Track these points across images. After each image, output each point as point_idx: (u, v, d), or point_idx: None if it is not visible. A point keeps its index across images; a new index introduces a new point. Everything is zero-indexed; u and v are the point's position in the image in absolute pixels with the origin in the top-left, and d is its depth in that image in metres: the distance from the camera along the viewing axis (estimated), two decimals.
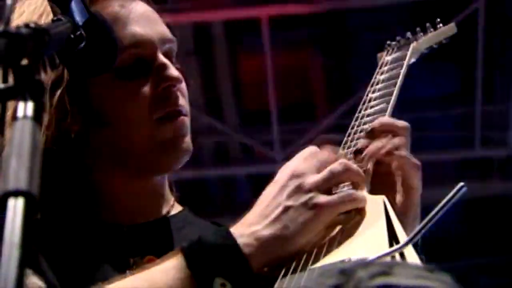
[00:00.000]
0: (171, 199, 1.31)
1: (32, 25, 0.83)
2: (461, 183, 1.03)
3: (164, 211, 1.29)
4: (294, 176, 1.11)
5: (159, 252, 1.20)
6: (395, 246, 1.02)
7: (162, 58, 1.24)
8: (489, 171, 5.06)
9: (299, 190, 1.10)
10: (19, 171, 0.73)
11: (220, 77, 4.78)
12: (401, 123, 1.27)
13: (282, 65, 4.70)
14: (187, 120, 1.26)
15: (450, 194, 1.03)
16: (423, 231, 1.03)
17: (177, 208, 1.31)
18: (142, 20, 1.25)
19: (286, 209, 1.09)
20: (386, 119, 1.29)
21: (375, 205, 1.15)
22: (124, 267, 1.18)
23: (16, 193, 0.72)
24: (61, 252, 1.18)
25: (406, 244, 1.02)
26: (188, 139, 1.25)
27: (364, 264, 0.80)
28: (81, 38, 1.01)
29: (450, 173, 5.10)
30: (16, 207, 0.71)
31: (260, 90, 4.67)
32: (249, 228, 1.08)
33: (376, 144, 1.24)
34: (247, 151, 5.03)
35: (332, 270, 0.80)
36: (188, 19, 4.37)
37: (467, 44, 4.40)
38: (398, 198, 1.24)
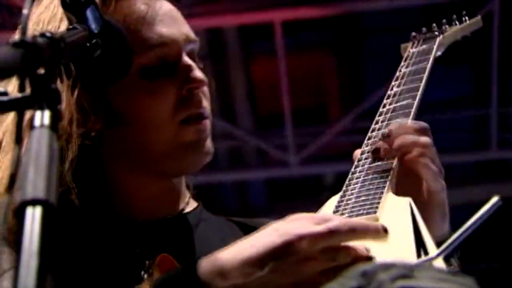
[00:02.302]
0: (187, 196, 1.31)
1: (48, 34, 0.83)
2: (496, 197, 1.01)
3: (180, 208, 1.28)
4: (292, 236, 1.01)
5: (173, 249, 1.20)
6: (425, 258, 1.01)
7: (187, 59, 1.24)
8: (506, 173, 5.03)
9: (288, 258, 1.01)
10: (36, 180, 0.73)
11: (234, 81, 4.78)
12: (420, 126, 1.25)
13: (296, 68, 4.69)
14: (209, 123, 1.25)
15: (485, 208, 1.01)
16: (455, 244, 1.00)
17: (192, 205, 1.31)
18: (167, 20, 1.23)
19: (271, 272, 1.02)
20: (405, 127, 1.25)
21: (401, 208, 1.14)
22: (139, 268, 1.18)
23: (33, 202, 0.72)
24: (75, 249, 1.18)
25: (437, 256, 1.01)
26: (209, 142, 1.25)
27: (385, 266, 0.79)
28: (97, 46, 1.02)
29: (467, 175, 5.07)
30: (34, 216, 0.72)
31: (274, 94, 4.67)
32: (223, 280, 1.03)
33: (400, 142, 1.23)
34: (261, 155, 5.03)
35: (354, 272, 0.79)
36: (202, 24, 4.38)
37: (481, 45, 4.38)
38: (422, 198, 1.22)
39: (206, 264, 1.05)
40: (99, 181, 1.24)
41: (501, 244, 5.27)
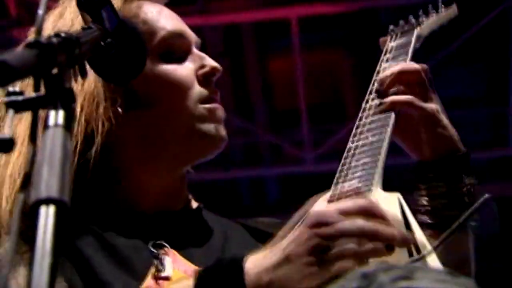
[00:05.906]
0: (188, 195, 1.33)
1: (62, 34, 0.84)
2: (487, 195, 1.03)
3: (184, 204, 1.31)
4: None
5: (181, 241, 1.23)
6: (418, 256, 1.02)
7: (197, 51, 1.31)
8: None
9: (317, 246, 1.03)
10: (50, 179, 0.74)
11: (250, 78, 4.78)
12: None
13: (312, 65, 4.69)
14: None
15: (475, 205, 1.02)
16: (447, 240, 1.02)
17: (194, 204, 1.34)
18: (177, 19, 1.33)
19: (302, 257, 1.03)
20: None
21: (391, 204, 1.14)
22: (150, 257, 1.19)
23: (47, 201, 0.73)
24: (82, 240, 1.19)
25: (428, 254, 1.01)
26: (223, 129, 1.28)
27: (385, 268, 0.79)
28: (112, 45, 1.02)
29: (484, 172, 5.05)
30: (47, 214, 0.72)
31: (289, 91, 4.67)
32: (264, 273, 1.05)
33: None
34: (277, 151, 5.03)
35: (354, 273, 0.80)
36: (218, 20, 4.38)
37: (498, 43, 4.35)
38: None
39: (250, 261, 1.06)
40: (105, 174, 1.24)
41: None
